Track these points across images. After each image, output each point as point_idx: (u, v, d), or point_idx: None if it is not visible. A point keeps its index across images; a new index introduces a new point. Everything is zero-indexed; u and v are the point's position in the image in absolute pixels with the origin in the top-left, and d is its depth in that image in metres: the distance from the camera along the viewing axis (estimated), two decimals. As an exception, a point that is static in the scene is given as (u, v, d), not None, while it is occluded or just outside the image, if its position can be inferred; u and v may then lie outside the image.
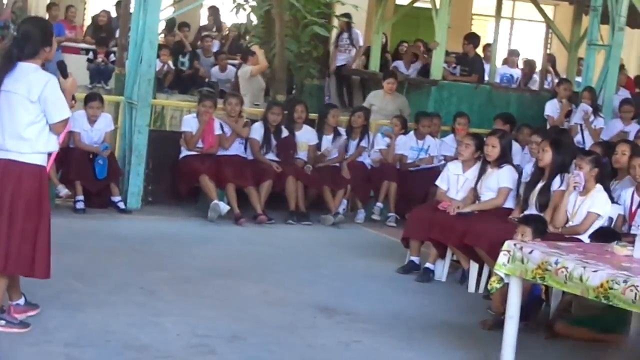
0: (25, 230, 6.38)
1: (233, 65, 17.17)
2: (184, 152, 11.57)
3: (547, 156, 8.69)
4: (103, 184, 11.07)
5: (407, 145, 12.52)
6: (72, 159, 10.93)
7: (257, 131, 11.84)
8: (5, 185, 6.36)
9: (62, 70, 6.76)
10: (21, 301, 6.73)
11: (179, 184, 11.61)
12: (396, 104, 13.84)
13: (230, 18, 18.83)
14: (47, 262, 6.52)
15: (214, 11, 19.78)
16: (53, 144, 6.49)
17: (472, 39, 16.74)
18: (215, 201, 11.10)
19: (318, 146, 12.19)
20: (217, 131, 11.62)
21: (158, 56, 13.02)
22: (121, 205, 11.08)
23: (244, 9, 15.98)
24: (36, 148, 6.39)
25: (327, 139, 12.26)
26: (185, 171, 11.45)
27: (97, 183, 11.03)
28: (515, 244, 6.55)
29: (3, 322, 6.52)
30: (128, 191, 11.20)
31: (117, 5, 18.63)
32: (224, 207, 11.08)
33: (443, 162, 12.02)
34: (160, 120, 13.77)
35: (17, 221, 6.36)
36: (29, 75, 6.34)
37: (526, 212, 8.60)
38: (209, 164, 11.34)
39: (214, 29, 19.67)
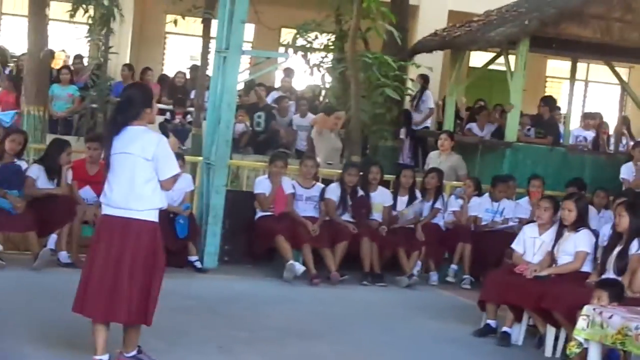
0: (143, 284, 6.68)
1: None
2: (260, 213, 11.69)
3: (625, 220, 8.62)
4: (183, 243, 11.18)
5: (481, 207, 12.50)
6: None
7: (333, 192, 11.92)
8: (126, 242, 6.66)
9: (163, 131, 7.00)
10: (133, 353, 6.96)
11: (255, 244, 11.71)
12: (450, 163, 13.77)
13: (305, 80, 19.03)
14: (153, 311, 6.82)
15: (289, 73, 19.96)
16: (164, 200, 6.81)
17: (548, 101, 16.73)
18: (291, 262, 11.18)
19: (393, 207, 12.23)
20: (289, 191, 11.73)
21: (235, 117, 13.17)
22: (198, 264, 11.21)
23: (319, 71, 16.16)
24: (152, 205, 6.70)
25: (402, 200, 12.30)
26: (261, 232, 11.56)
27: (178, 242, 11.08)
28: (594, 309, 6.55)
29: None
30: (205, 251, 11.27)
31: (192, 68, 19.00)
32: (299, 268, 11.16)
33: (517, 224, 11.99)
34: (237, 180, 13.90)
35: (137, 276, 6.66)
36: (141, 136, 6.66)
37: (603, 277, 8.53)
38: (285, 225, 11.44)
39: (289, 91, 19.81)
